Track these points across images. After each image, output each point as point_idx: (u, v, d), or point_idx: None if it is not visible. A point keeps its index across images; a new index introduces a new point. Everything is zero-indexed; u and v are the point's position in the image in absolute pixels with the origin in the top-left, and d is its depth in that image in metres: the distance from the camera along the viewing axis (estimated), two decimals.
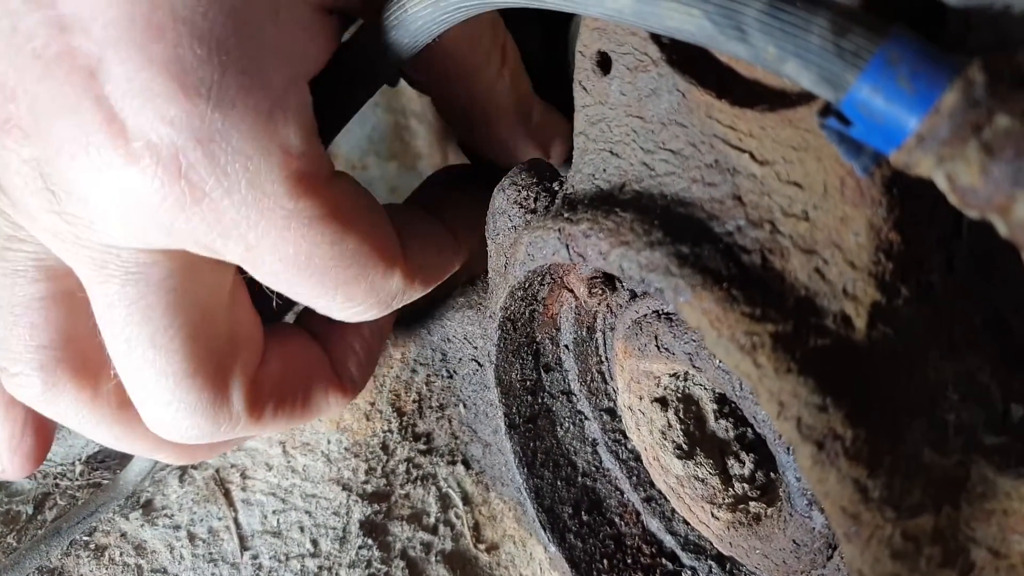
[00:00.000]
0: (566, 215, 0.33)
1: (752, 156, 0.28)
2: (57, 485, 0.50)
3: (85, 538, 0.47)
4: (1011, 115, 0.20)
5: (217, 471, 0.48)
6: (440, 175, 0.48)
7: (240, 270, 0.37)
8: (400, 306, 0.40)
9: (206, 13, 0.29)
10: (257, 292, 0.39)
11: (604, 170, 0.34)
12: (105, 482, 0.50)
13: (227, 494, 0.47)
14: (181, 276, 0.35)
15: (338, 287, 0.36)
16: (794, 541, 0.36)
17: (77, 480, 0.50)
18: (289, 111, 0.32)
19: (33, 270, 0.36)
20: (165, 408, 0.36)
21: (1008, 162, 0.21)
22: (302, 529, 0.46)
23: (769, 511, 0.39)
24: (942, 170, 0.22)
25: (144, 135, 0.29)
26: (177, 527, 0.46)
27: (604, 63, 0.32)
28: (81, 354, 0.38)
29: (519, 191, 0.38)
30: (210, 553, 0.46)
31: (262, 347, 0.41)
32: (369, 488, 0.48)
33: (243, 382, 0.39)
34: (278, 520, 0.46)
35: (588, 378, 0.47)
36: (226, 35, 0.30)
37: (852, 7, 0.22)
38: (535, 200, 0.37)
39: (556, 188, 0.37)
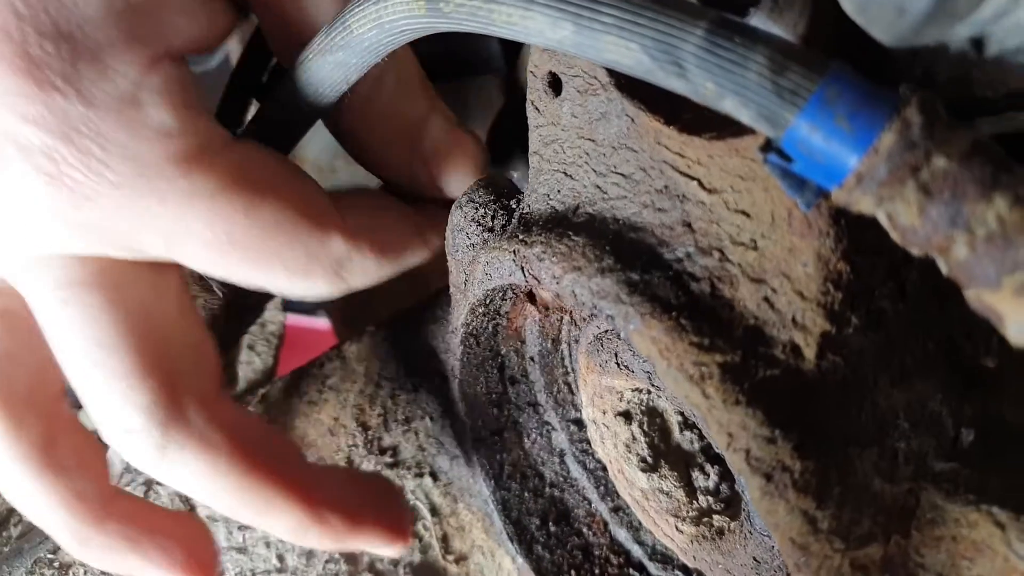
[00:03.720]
0: (521, 237, 0.33)
1: (700, 184, 0.27)
2: None
3: (49, 556, 0.47)
4: (948, 157, 0.20)
5: None
6: None
7: (183, 279, 0.37)
8: (364, 278, 0.39)
9: (47, 7, 0.29)
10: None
11: (558, 191, 0.33)
12: None
13: (192, 511, 0.47)
14: (116, 275, 0.34)
15: (272, 260, 0.35)
16: (755, 558, 0.36)
17: None
18: (156, 91, 0.31)
19: None
20: (119, 412, 0.35)
21: (946, 204, 0.20)
22: (268, 544, 0.46)
23: (732, 525, 0.39)
24: (882, 209, 0.21)
25: (11, 138, 0.29)
26: None
27: (555, 84, 0.31)
28: (9, 379, 0.37)
29: (476, 208, 0.37)
30: None
31: (217, 365, 0.40)
32: None
33: (199, 396, 0.37)
34: (243, 536, 0.46)
35: (554, 389, 0.47)
36: (71, 26, 0.29)
37: (791, 43, 0.22)
38: (492, 218, 0.37)
39: (513, 206, 0.37)
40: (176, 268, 0.36)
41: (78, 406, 0.39)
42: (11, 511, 0.50)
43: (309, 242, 0.35)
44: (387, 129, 0.40)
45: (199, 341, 0.38)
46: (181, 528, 0.40)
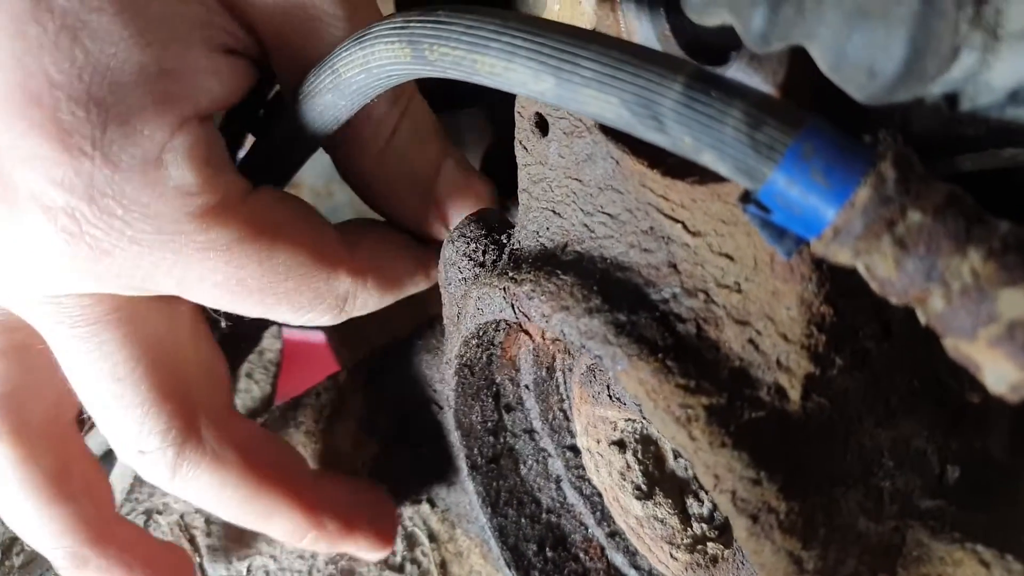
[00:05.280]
0: (511, 274, 0.33)
1: (685, 226, 0.28)
2: None
3: None
4: (923, 211, 0.20)
5: (182, 516, 0.48)
6: None
7: (194, 305, 0.38)
8: (364, 310, 0.40)
9: (80, 75, 0.30)
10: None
11: (547, 228, 0.34)
12: None
13: (192, 540, 0.47)
14: (130, 310, 0.35)
15: (280, 299, 0.36)
16: None
17: None
18: (180, 151, 0.32)
19: None
20: (137, 440, 0.36)
21: (921, 258, 0.21)
22: (267, 573, 0.46)
23: (726, 553, 0.39)
24: (860, 261, 0.22)
25: (37, 199, 0.30)
26: None
27: (542, 125, 0.32)
28: (24, 411, 0.39)
29: (468, 243, 0.38)
30: None
31: (228, 382, 0.41)
32: None
33: (212, 415, 0.38)
34: (244, 566, 0.46)
35: (550, 416, 0.47)
36: (104, 93, 0.30)
37: (768, 96, 0.22)
38: (483, 253, 0.37)
39: (504, 241, 0.37)
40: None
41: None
42: (14, 540, 0.51)
43: (317, 283, 0.37)
44: (402, 176, 0.41)
45: (211, 361, 0.40)
46: (174, 559, 0.43)
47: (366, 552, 0.45)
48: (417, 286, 0.43)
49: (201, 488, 0.38)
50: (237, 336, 0.47)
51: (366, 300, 0.40)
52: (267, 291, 0.35)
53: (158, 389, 0.36)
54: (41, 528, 0.40)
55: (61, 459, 0.40)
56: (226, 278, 0.34)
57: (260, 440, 0.41)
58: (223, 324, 0.40)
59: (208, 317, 0.44)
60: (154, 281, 0.34)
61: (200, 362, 0.39)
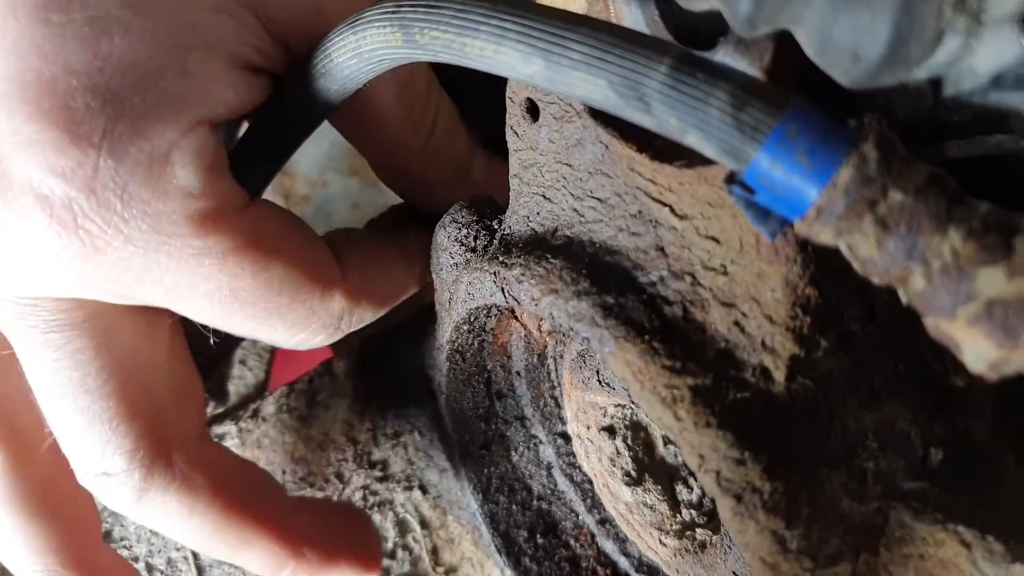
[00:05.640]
0: (501, 258, 0.34)
1: (672, 210, 0.28)
2: None
3: None
4: (904, 191, 0.21)
5: None
6: (390, 211, 0.48)
7: (176, 321, 0.37)
8: (355, 327, 0.40)
9: (102, 67, 0.29)
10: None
11: (538, 213, 0.34)
12: None
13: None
14: (108, 319, 0.34)
15: (272, 316, 0.35)
16: (734, 573, 0.37)
17: None
18: (188, 152, 0.31)
19: None
20: (101, 460, 0.35)
21: (902, 237, 0.21)
22: None
23: (714, 539, 0.40)
24: (842, 241, 0.22)
25: (33, 188, 0.29)
26: (135, 559, 0.47)
27: (532, 110, 0.32)
28: (14, 419, 0.37)
29: (459, 229, 0.38)
30: None
31: (202, 404, 0.40)
32: None
33: (183, 438, 0.37)
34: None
35: (541, 403, 0.47)
36: (122, 87, 0.30)
37: (753, 78, 0.23)
38: (475, 239, 0.37)
39: (495, 226, 0.37)
40: (169, 312, 0.36)
41: None
42: None
43: (311, 302, 0.36)
44: (442, 168, 0.41)
45: (186, 383, 0.38)
46: None
47: None
48: (409, 293, 0.43)
49: (169, 515, 0.36)
50: None
51: (361, 316, 0.39)
52: (259, 304, 0.34)
53: (128, 405, 0.35)
54: (23, 544, 0.38)
55: (49, 472, 0.38)
56: (219, 288, 0.33)
57: (233, 466, 0.39)
58: (212, 341, 0.39)
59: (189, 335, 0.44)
60: (142, 287, 0.32)
61: (175, 382, 0.38)
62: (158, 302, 0.33)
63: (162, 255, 0.31)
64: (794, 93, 0.22)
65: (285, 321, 0.36)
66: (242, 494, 0.38)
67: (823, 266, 0.26)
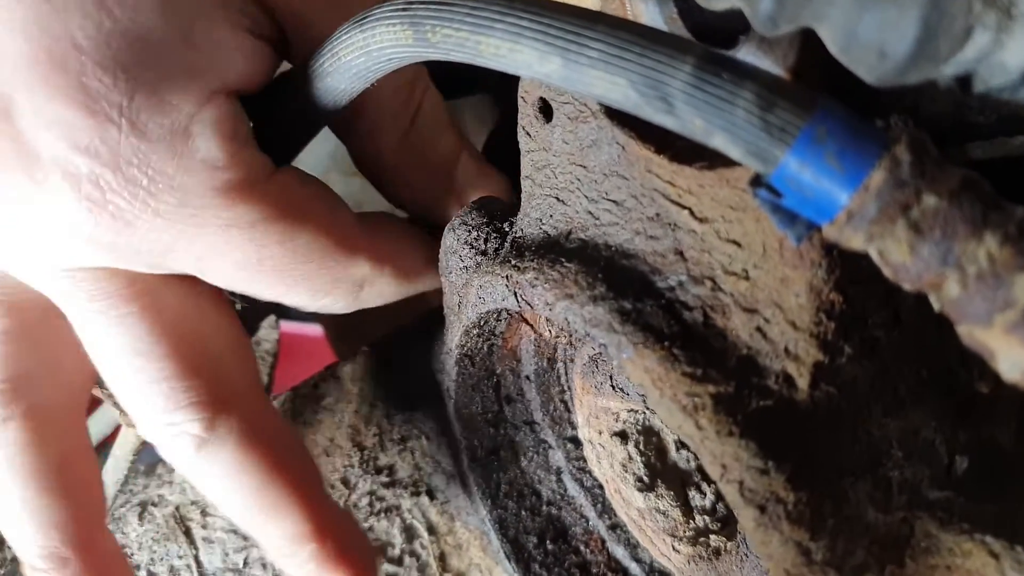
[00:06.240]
0: (513, 262, 0.33)
1: (692, 213, 0.27)
2: None
3: None
4: (938, 195, 0.20)
5: (177, 508, 0.47)
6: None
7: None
8: (379, 299, 0.40)
9: (108, 41, 0.29)
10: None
11: (551, 216, 0.33)
12: None
13: (187, 532, 0.46)
14: (148, 285, 0.35)
15: (298, 282, 0.36)
16: None
17: None
18: (208, 123, 0.31)
19: None
20: (163, 414, 0.35)
21: (936, 242, 0.20)
22: (264, 566, 0.46)
23: (728, 546, 0.39)
24: (873, 246, 0.21)
25: (61, 166, 0.30)
26: (137, 567, 0.46)
27: (546, 110, 0.31)
28: (38, 394, 0.38)
29: (469, 231, 0.37)
30: None
31: (255, 362, 0.40)
32: None
33: (242, 392, 0.37)
34: (241, 558, 0.46)
35: (551, 408, 0.46)
36: (131, 60, 0.30)
37: (779, 78, 0.22)
38: (485, 241, 0.37)
39: (506, 229, 0.37)
40: None
41: None
42: None
43: (336, 267, 0.36)
44: (420, 167, 0.41)
45: (238, 342, 0.39)
46: None
47: None
48: (429, 281, 0.43)
49: (225, 467, 0.36)
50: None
51: (382, 288, 0.40)
52: (286, 272, 0.35)
53: (185, 364, 0.35)
54: (29, 518, 0.38)
55: (65, 451, 0.39)
56: (247, 257, 0.34)
57: (285, 430, 0.40)
58: (237, 305, 0.40)
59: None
60: (173, 257, 0.33)
61: (227, 341, 0.38)
62: (189, 270, 0.34)
63: (191, 226, 0.32)
64: (822, 93, 0.21)
65: (310, 286, 0.36)
66: (290, 459, 0.38)
67: (848, 271, 0.26)
